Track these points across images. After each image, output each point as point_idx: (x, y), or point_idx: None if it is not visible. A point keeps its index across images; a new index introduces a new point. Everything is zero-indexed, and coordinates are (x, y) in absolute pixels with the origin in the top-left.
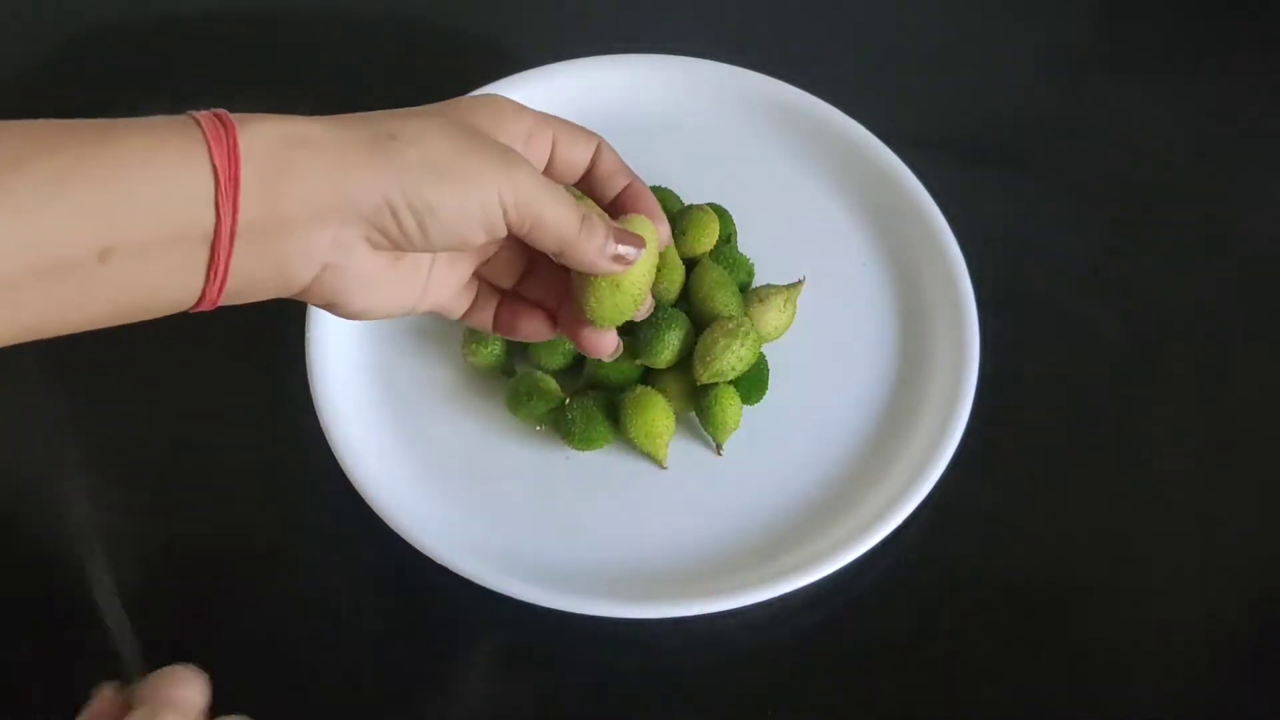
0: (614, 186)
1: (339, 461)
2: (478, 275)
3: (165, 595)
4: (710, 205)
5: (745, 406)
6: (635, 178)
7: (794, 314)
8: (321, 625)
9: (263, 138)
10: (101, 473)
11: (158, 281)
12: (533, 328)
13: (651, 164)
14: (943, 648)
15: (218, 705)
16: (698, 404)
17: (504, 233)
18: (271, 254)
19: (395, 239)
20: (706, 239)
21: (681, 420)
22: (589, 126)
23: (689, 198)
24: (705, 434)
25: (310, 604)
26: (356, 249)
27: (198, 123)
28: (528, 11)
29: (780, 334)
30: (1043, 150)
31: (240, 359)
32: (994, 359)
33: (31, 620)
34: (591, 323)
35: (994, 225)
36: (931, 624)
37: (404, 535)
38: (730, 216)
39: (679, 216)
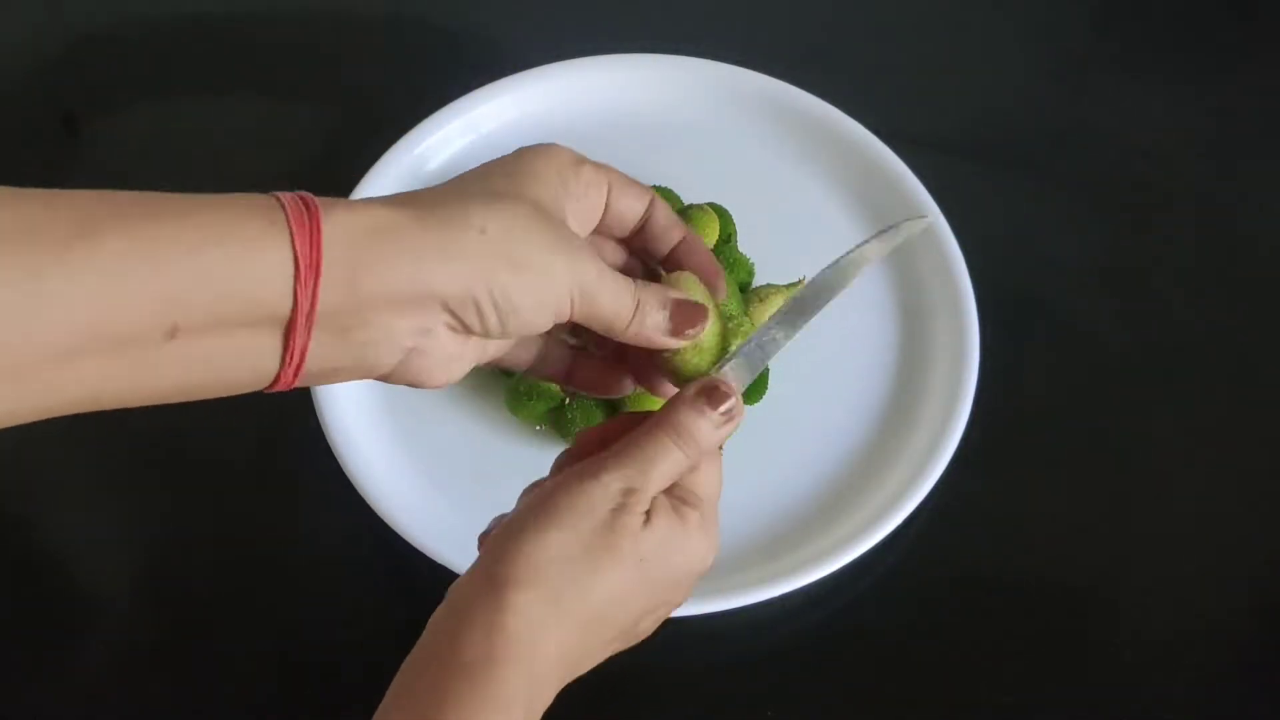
0: (668, 241)
1: (339, 461)
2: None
3: (165, 595)
4: (710, 205)
5: (745, 406)
6: (689, 231)
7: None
8: (321, 625)
9: (348, 225)
10: (101, 473)
11: (228, 362)
12: (617, 384)
13: (651, 164)
14: (943, 647)
15: (218, 705)
16: None
17: (567, 319)
18: (351, 342)
19: (475, 329)
20: (706, 239)
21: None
22: (589, 126)
23: (689, 197)
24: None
25: (310, 603)
26: (439, 335)
27: (281, 205)
28: (528, 11)
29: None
30: (1043, 150)
31: None
32: (994, 359)
33: (32, 620)
34: (675, 382)
35: (994, 225)
36: (931, 624)
37: (404, 535)
38: (730, 216)
39: (679, 216)
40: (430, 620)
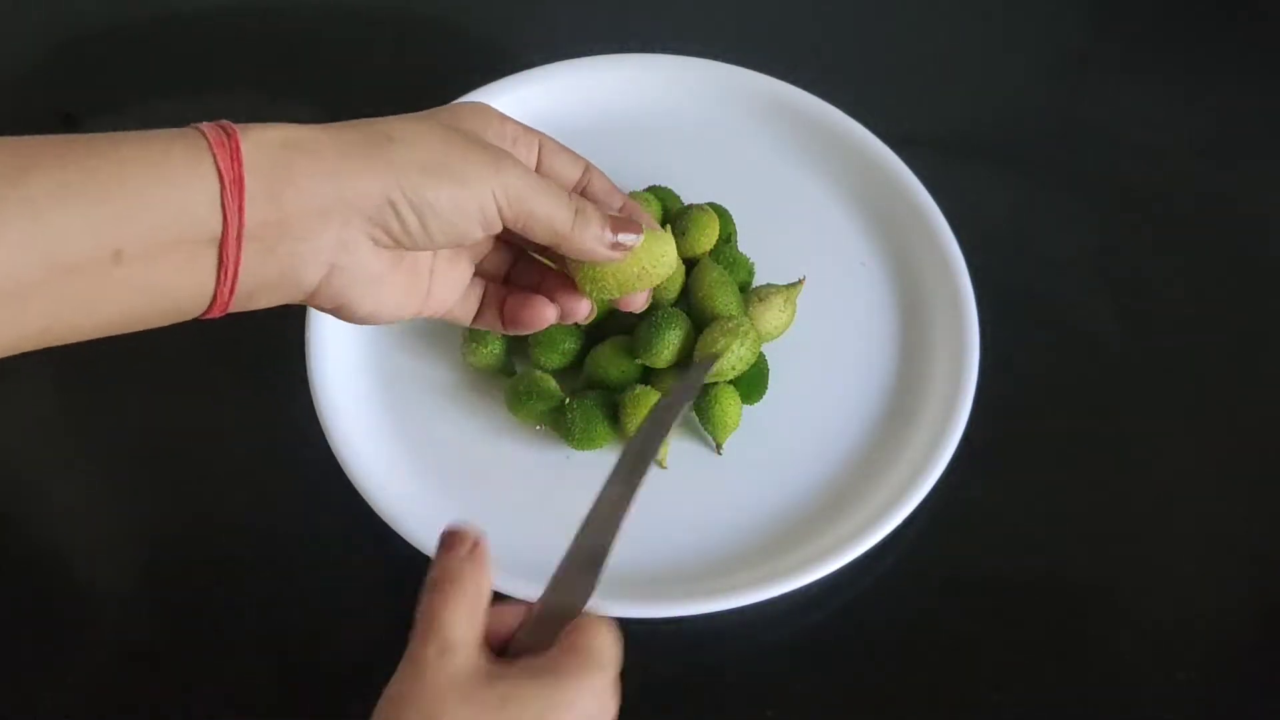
0: (608, 208)
1: (339, 461)
2: (480, 276)
3: (165, 595)
4: (710, 205)
5: (745, 406)
6: (628, 200)
7: (794, 314)
8: (321, 625)
9: (264, 143)
10: (101, 473)
11: (169, 283)
12: (535, 313)
13: (651, 164)
14: (942, 647)
15: (217, 704)
16: (698, 403)
17: (499, 228)
18: (278, 255)
19: (398, 236)
20: (706, 238)
21: (681, 420)
22: (589, 127)
23: (689, 197)
24: (705, 433)
25: (310, 603)
26: (361, 248)
27: (201, 132)
28: (528, 11)
29: (780, 334)
30: (1043, 149)
31: (241, 360)
32: (994, 359)
33: (32, 619)
34: (589, 299)
35: (994, 225)
36: (931, 624)
37: (404, 535)
38: (730, 216)
39: (679, 216)
40: None
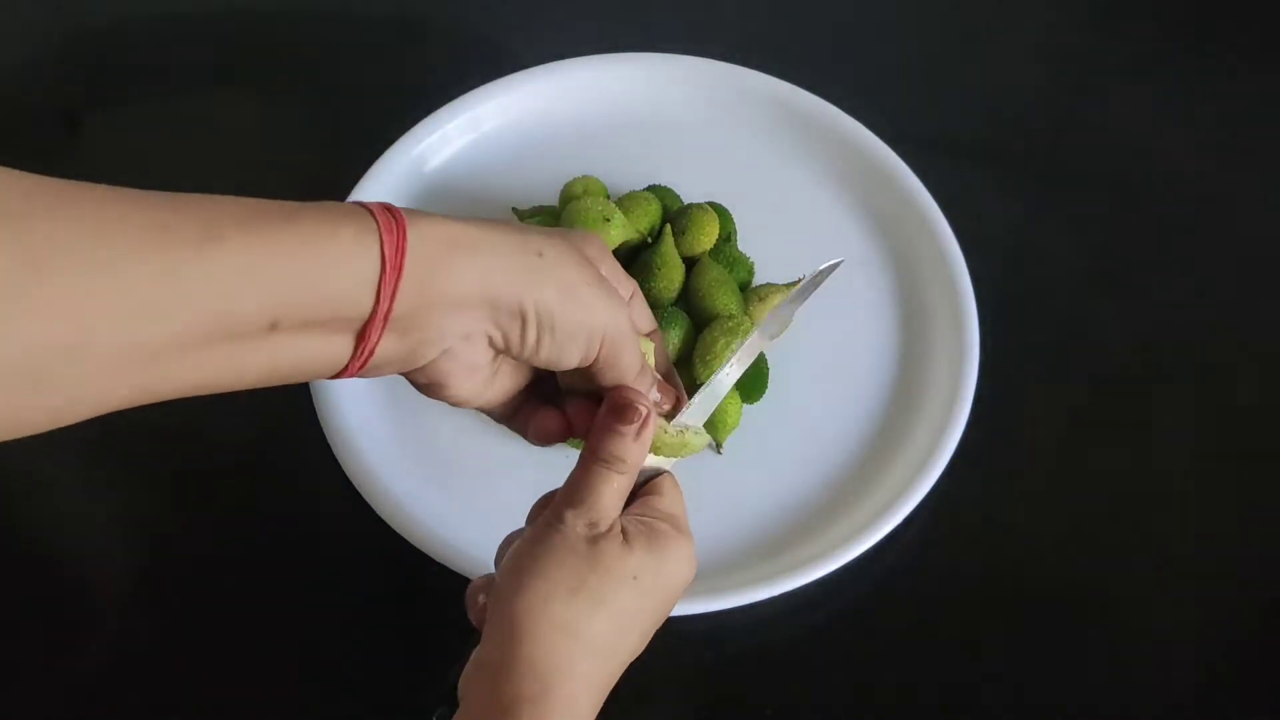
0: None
1: (339, 461)
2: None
3: (165, 594)
4: (710, 204)
5: (745, 406)
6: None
7: (794, 313)
8: (321, 624)
9: (428, 237)
10: (101, 474)
11: (308, 353)
12: (546, 426)
13: (652, 163)
14: (942, 647)
15: (217, 705)
16: None
17: (589, 363)
18: (411, 339)
19: (512, 342)
20: (706, 237)
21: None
22: (589, 126)
23: (689, 196)
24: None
25: (310, 603)
26: (479, 342)
27: (372, 215)
28: (528, 11)
29: (780, 333)
30: (1043, 150)
31: None
32: (994, 359)
33: (30, 620)
34: None
35: (994, 225)
36: (931, 624)
37: (404, 535)
38: (730, 215)
39: (679, 215)
40: (460, 685)
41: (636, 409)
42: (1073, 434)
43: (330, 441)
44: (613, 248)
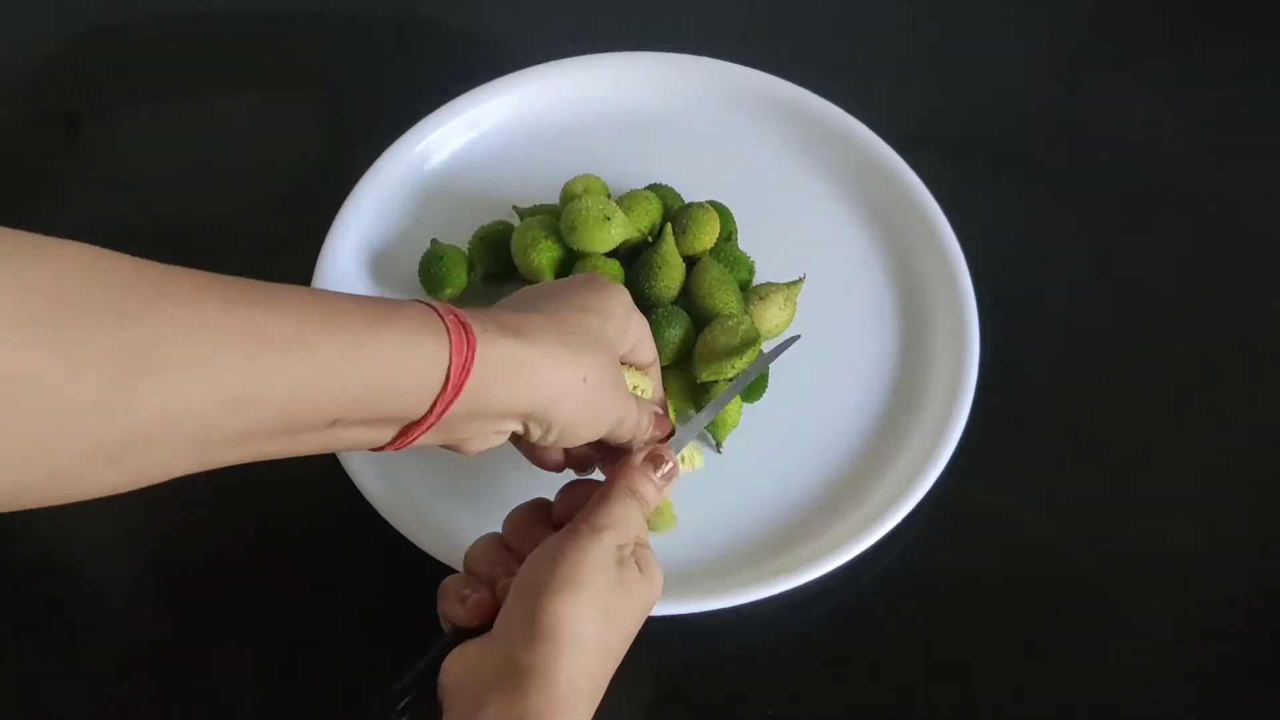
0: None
1: (339, 461)
2: None
3: (165, 594)
4: (711, 203)
5: (745, 405)
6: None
7: (794, 312)
8: (322, 625)
9: (492, 357)
10: None
11: (354, 442)
12: (546, 459)
13: (652, 162)
14: (943, 646)
15: (217, 705)
16: (698, 402)
17: (598, 439)
18: (453, 434)
19: (533, 438)
20: (707, 236)
21: (682, 418)
22: (589, 125)
23: (689, 195)
24: (705, 432)
25: (310, 603)
26: (505, 434)
27: (447, 329)
28: (528, 11)
29: (780, 332)
30: (1043, 149)
31: None
32: (994, 359)
33: (30, 621)
34: None
35: (994, 225)
36: (931, 623)
37: (405, 535)
38: (731, 214)
39: (679, 214)
40: (456, 679)
41: (665, 461)
42: (1073, 433)
43: None
44: (613, 247)
